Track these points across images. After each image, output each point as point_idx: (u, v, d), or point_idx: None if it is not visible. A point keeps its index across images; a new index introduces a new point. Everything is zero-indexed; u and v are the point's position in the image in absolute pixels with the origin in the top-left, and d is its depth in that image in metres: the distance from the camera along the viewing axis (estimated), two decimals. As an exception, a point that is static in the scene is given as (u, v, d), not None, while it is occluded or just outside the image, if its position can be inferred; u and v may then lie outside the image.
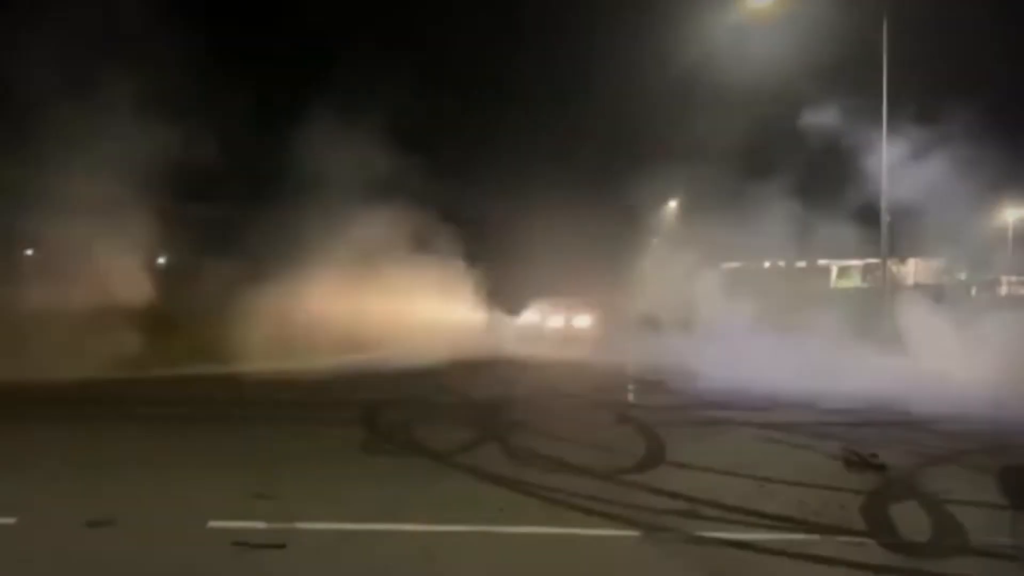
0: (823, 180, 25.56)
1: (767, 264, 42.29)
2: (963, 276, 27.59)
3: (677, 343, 22.48)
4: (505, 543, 6.04)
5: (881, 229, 24.80)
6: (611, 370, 18.35)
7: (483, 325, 33.60)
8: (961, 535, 6.23)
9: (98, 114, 19.34)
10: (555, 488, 7.37)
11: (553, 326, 30.88)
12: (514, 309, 35.98)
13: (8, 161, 19.76)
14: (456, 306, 35.86)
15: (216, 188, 28.24)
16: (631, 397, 14.36)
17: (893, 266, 29.83)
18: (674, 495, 7.22)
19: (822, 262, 42.08)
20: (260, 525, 6.24)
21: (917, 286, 30.14)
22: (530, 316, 31.96)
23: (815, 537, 6.17)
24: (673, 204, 45.65)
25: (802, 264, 40.53)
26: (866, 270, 40.41)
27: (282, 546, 5.81)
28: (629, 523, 6.46)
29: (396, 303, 35.43)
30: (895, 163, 23.82)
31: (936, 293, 23.94)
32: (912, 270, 33.64)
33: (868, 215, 25.59)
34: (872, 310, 23.69)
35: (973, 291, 24.34)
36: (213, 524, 6.28)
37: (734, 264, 41.59)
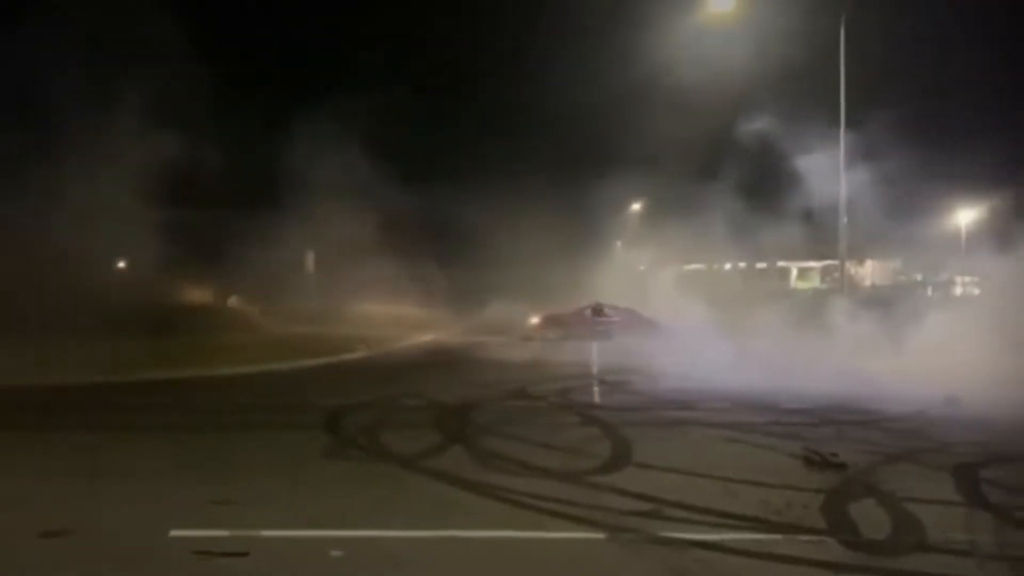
0: (783, 183, 25.92)
1: (728, 266, 42.85)
2: (919, 277, 28.17)
3: (640, 343, 22.72)
4: (472, 547, 6.03)
5: (839, 232, 25.21)
6: (577, 371, 18.42)
7: (450, 326, 33.72)
8: (919, 532, 6.36)
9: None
10: (521, 491, 7.39)
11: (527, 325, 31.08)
12: (479, 310, 36.16)
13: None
14: (424, 307, 35.98)
15: (191, 194, 28.14)
16: (596, 398, 14.43)
17: (851, 267, 30.35)
18: (639, 496, 7.27)
19: (782, 264, 42.74)
20: (223, 533, 6.16)
21: (874, 286, 30.69)
22: (495, 315, 32.04)
23: (778, 536, 6.26)
24: (636, 207, 46.05)
25: (762, 265, 41.15)
26: (824, 271, 41.08)
27: (245, 554, 5.75)
28: (595, 525, 6.49)
29: (368, 304, 35.51)
30: (851, 167, 24.23)
31: (885, 294, 24.42)
32: (869, 271, 34.25)
33: (827, 218, 26.00)
34: (828, 310, 24.07)
35: (929, 291, 24.86)
36: (175, 533, 6.19)
37: (696, 266, 42.07)
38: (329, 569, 5.62)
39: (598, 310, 30.42)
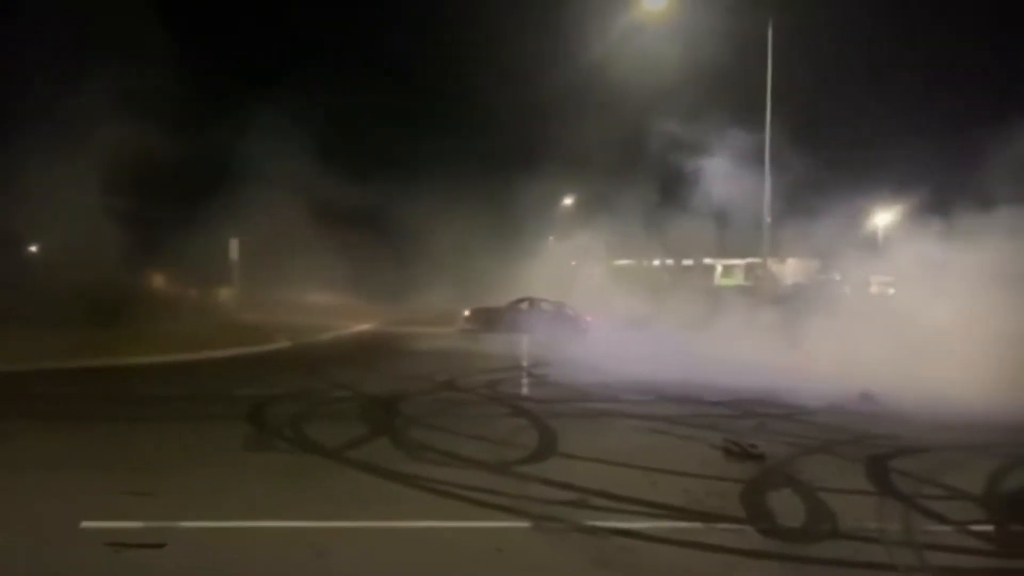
0: (708, 182, 26.43)
1: (656, 262, 43.51)
2: (837, 276, 29.02)
3: (568, 337, 22.90)
4: (397, 537, 6.00)
5: (763, 231, 25.84)
6: (507, 364, 18.46)
7: (381, 316, 33.48)
8: (832, 521, 6.57)
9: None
10: (448, 481, 7.38)
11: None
12: (410, 301, 36.02)
13: None
14: (354, 298, 35.69)
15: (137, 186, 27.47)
16: (525, 390, 14.49)
17: (773, 265, 31.14)
18: (565, 486, 7.34)
19: (707, 261, 43.60)
20: (137, 524, 5.99)
21: (795, 284, 31.51)
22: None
23: (698, 525, 6.39)
24: (568, 202, 46.37)
25: (689, 262, 41.91)
26: (748, 269, 42.07)
27: (162, 545, 5.60)
28: (520, 514, 6.53)
29: (298, 294, 35.03)
30: (773, 167, 24.85)
31: (804, 292, 25.10)
32: (790, 270, 35.17)
33: (750, 217, 26.62)
34: (750, 307, 24.67)
35: (847, 289, 25.63)
36: (86, 524, 5.99)
37: (625, 262, 42.61)
38: (250, 560, 5.52)
39: (528, 304, 30.53)
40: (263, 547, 5.74)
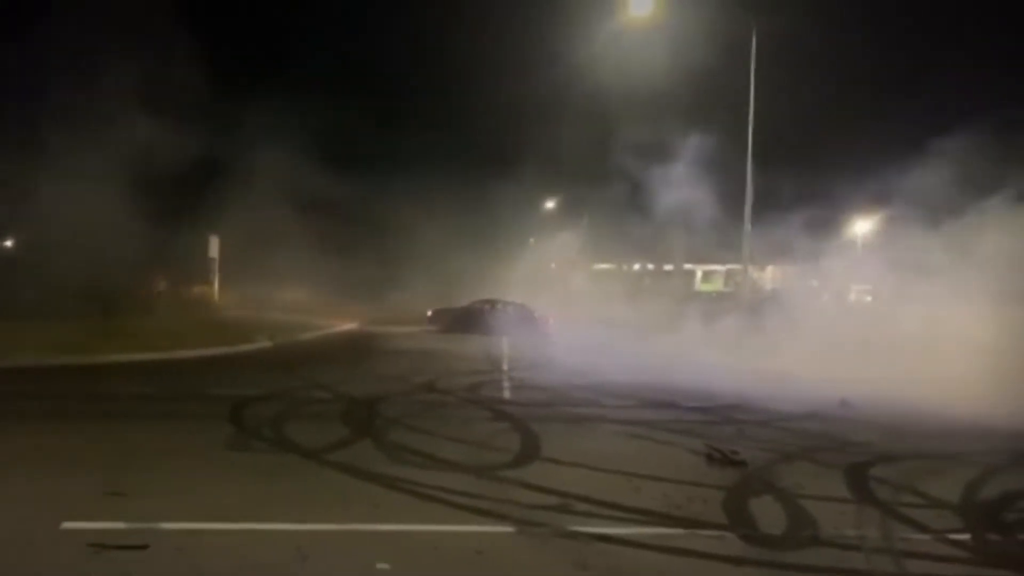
0: (690, 188, 26.56)
1: (636, 266, 43.71)
2: (815, 283, 29.26)
3: (534, 339, 22.95)
4: (379, 541, 5.98)
5: (743, 237, 26.01)
6: (484, 366, 18.46)
7: (360, 316, 33.39)
8: (813, 527, 6.62)
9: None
10: (430, 485, 7.37)
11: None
12: (390, 300, 36.00)
13: None
14: (334, 296, 35.62)
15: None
16: (506, 393, 14.49)
17: (753, 272, 31.36)
18: (547, 491, 7.35)
19: (688, 266, 43.85)
20: (120, 525, 5.94)
21: (774, 291, 31.76)
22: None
23: (679, 531, 6.42)
24: (550, 205, 46.47)
25: (669, 267, 42.14)
26: (728, 275, 42.35)
27: (144, 547, 5.55)
28: (503, 519, 6.53)
29: (278, 292, 34.87)
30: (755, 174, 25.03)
31: (783, 299, 25.29)
32: (770, 276, 35.46)
33: (732, 223, 26.78)
34: (728, 312, 24.83)
35: (825, 297, 25.88)
36: (67, 525, 5.93)
37: (605, 265, 42.76)
38: (235, 561, 5.49)
39: (489, 305, 30.70)
40: (246, 549, 5.70)
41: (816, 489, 7.77)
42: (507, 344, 23.87)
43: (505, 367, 18.79)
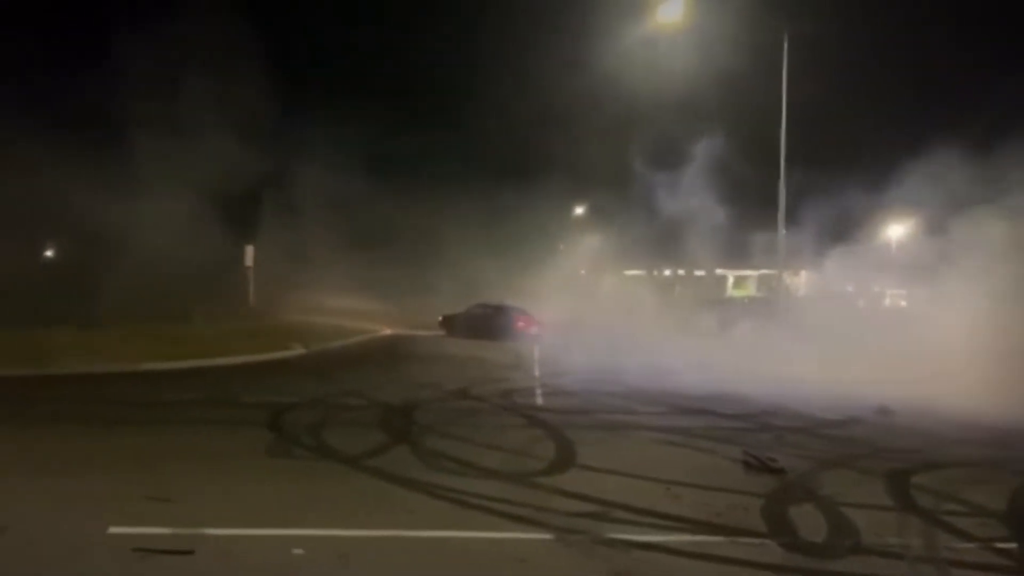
0: (721, 192, 26.47)
1: (668, 272, 43.51)
2: (850, 288, 28.97)
3: (581, 344, 22.92)
4: (418, 547, 6.03)
5: (778, 242, 25.82)
6: (516, 373, 18.47)
7: (394, 322, 33.68)
8: (854, 535, 6.57)
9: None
10: (467, 491, 7.41)
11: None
12: (423, 307, 36.28)
13: None
14: (370, 303, 36.02)
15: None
16: (539, 400, 14.49)
17: (787, 277, 31.10)
18: (585, 498, 7.35)
19: (720, 271, 43.55)
20: (165, 531, 6.04)
21: (808, 296, 31.47)
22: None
23: (719, 538, 6.40)
24: (579, 211, 46.44)
25: (700, 273, 41.87)
26: (761, 280, 42.00)
27: (190, 552, 5.64)
28: (541, 526, 6.54)
29: (314, 299, 35.28)
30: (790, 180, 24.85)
31: (818, 304, 25.07)
32: (803, 282, 35.12)
33: (766, 228, 26.61)
34: (762, 318, 24.64)
35: (861, 302, 25.63)
36: (114, 530, 6.04)
37: (636, 271, 42.61)
38: (277, 566, 5.56)
39: (486, 308, 30.91)
40: (288, 554, 5.76)
41: (857, 496, 7.70)
42: (538, 350, 23.86)
43: (536, 373, 18.80)
